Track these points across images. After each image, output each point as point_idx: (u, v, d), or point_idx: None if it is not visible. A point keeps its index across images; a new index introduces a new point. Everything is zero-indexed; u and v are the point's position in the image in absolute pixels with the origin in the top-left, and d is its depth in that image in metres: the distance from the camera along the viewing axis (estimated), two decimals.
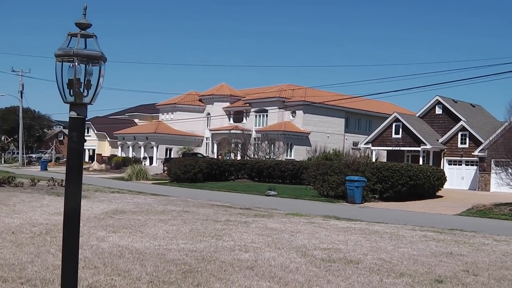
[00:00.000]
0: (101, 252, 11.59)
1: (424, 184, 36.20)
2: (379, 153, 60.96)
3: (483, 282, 10.23)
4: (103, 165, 76.86)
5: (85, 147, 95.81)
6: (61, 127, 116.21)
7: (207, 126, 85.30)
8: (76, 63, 4.98)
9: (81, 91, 5.06)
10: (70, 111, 5.09)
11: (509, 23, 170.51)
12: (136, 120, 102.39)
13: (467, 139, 53.46)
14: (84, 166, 61.01)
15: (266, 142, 65.59)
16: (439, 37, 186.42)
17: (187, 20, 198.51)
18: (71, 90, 5.02)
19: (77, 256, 5.22)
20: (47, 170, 65.36)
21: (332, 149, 64.43)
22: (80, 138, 5.17)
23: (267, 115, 76.65)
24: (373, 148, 59.78)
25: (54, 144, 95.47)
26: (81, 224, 15.05)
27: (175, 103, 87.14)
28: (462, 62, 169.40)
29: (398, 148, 56.79)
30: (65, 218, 5.12)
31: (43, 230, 14.28)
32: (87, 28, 5.09)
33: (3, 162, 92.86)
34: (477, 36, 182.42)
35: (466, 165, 53.77)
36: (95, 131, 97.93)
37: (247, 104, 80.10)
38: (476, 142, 51.67)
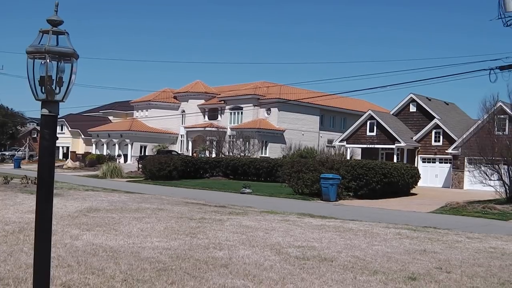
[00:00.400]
0: (75, 250, 11.52)
1: (398, 182, 36.35)
2: (354, 151, 61.13)
3: (455, 279, 10.30)
4: (77, 163, 76.34)
5: (59, 145, 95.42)
6: (35, 124, 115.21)
7: (182, 124, 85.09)
8: (48, 60, 4.93)
9: (53, 88, 5.01)
10: (42, 109, 5.03)
11: (483, 21, 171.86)
12: (111, 118, 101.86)
13: (441, 137, 53.75)
14: (58, 164, 60.84)
15: (241, 139, 65.55)
16: (413, 35, 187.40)
17: (161, 18, 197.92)
18: (43, 88, 4.97)
19: (49, 254, 5.18)
20: (20, 167, 64.73)
21: (305, 147, 64.50)
22: (52, 135, 5.12)
23: (242, 113, 76.62)
24: (347, 145, 59.94)
25: (28, 142, 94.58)
26: (54, 223, 14.96)
27: (149, 100, 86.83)
28: (436, 60, 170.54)
29: (373, 146, 56.99)
30: (37, 217, 5.08)
31: (16, 229, 14.17)
32: (58, 25, 5.04)
33: None
34: (450, 34, 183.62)
35: (440, 162, 54.08)
36: (69, 129, 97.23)
37: (222, 102, 80.00)
38: (449, 140, 51.98)
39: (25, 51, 4.96)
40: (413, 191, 39.77)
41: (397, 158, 54.38)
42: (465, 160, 47.11)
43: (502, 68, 28.92)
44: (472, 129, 45.73)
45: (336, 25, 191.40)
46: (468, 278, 10.43)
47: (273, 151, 70.27)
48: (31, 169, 54.32)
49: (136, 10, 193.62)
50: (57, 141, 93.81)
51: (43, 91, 4.98)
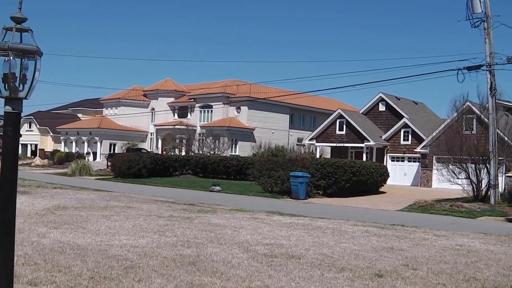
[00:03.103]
0: (42, 248, 11.44)
1: (367, 180, 36.59)
2: (323, 149, 61.34)
3: (421, 276, 10.39)
4: (45, 161, 75.78)
5: (27, 142, 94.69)
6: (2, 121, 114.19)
7: (152, 122, 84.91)
8: (11, 57, 4.90)
9: (17, 85, 4.98)
10: (5, 106, 5.00)
11: (451, 22, 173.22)
12: (80, 115, 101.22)
13: (410, 136, 54.17)
14: (26, 162, 60.41)
15: (211, 137, 65.53)
16: (383, 37, 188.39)
17: (132, 18, 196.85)
18: (6, 85, 4.94)
19: (12, 253, 5.14)
20: None
21: (275, 145, 64.65)
22: (15, 133, 5.09)
23: (212, 111, 76.61)
24: (317, 144, 60.17)
25: None
26: (21, 220, 14.88)
27: (119, 98, 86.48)
28: (405, 60, 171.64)
29: (342, 145, 57.28)
30: (0, 215, 5.04)
31: None
32: (22, 22, 5.01)
33: None
34: (419, 36, 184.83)
35: (409, 161, 54.49)
36: (38, 126, 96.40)
37: (192, 100, 79.91)
38: (418, 139, 52.40)
39: None
40: (382, 189, 40.05)
41: (367, 157, 54.70)
42: (434, 159, 47.53)
43: (469, 68, 29.24)
44: (440, 128, 46.18)
45: (306, 27, 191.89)
46: (434, 275, 10.53)
47: (243, 150, 70.35)
48: None
49: (107, 10, 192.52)
50: (26, 138, 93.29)
51: (7, 88, 4.95)
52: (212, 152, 61.57)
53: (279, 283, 9.31)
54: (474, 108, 40.04)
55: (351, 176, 34.84)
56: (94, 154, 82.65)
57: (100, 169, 58.94)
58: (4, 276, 5.07)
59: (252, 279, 9.45)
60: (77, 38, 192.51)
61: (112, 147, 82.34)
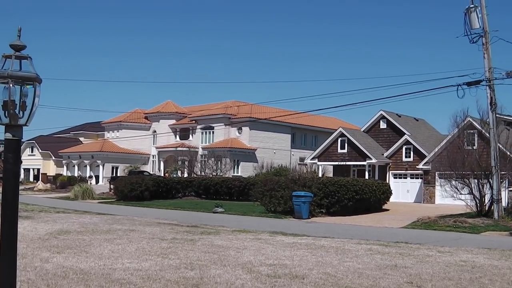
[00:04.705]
0: (45, 273, 11.44)
1: (370, 198, 36.54)
2: (326, 168, 61.38)
3: None
4: (48, 185, 75.84)
5: (29, 167, 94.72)
6: (3, 146, 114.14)
7: (153, 144, 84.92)
8: (11, 85, 4.94)
9: (16, 112, 5.03)
10: (5, 133, 5.04)
11: (451, 36, 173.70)
12: (82, 139, 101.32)
13: (412, 152, 54.21)
14: (29, 186, 60.30)
15: (213, 159, 65.58)
16: (381, 52, 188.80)
17: (131, 38, 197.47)
18: (6, 112, 4.98)
19: (15, 278, 5.15)
20: None
21: (278, 165, 64.61)
22: (16, 159, 5.13)
23: (213, 132, 76.67)
24: (319, 163, 60.19)
25: None
26: (24, 245, 14.87)
27: (120, 121, 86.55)
28: (405, 77, 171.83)
29: (344, 163, 57.25)
30: (2, 240, 5.06)
31: None
32: (21, 49, 5.06)
33: None
34: (419, 49, 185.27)
35: (411, 178, 54.47)
36: (40, 150, 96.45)
37: (193, 121, 79.99)
38: (420, 156, 52.42)
39: None
40: (385, 207, 39.96)
41: (369, 175, 54.69)
42: (436, 175, 47.53)
43: (469, 84, 29.29)
44: (442, 144, 46.22)
45: (305, 43, 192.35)
46: None
47: (245, 170, 70.28)
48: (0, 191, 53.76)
49: (105, 31, 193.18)
50: (28, 163, 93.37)
51: (6, 115, 4.99)
52: (214, 173, 61.57)
53: None
54: (474, 123, 40.08)
55: (354, 195, 34.79)
56: (97, 177, 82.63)
57: (103, 193, 58.92)
58: None
59: None
60: (76, 60, 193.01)
61: (114, 170, 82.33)
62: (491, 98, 30.39)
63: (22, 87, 5.04)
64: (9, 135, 5.05)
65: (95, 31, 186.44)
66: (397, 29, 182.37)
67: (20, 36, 5.11)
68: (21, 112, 5.06)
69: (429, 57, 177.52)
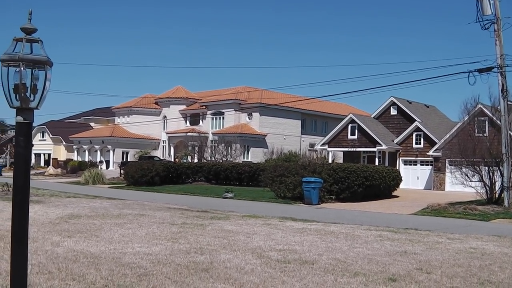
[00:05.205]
0: (56, 257, 11.49)
1: (380, 185, 36.51)
2: (336, 154, 61.28)
3: (435, 279, 10.36)
4: (59, 170, 76.05)
5: (40, 152, 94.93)
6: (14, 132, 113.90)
7: (164, 129, 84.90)
8: (22, 68, 4.95)
9: (27, 96, 5.03)
10: (16, 116, 5.05)
11: (461, 24, 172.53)
12: (92, 124, 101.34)
13: (422, 139, 54.07)
14: (39, 171, 60.62)
15: (223, 144, 65.54)
16: (393, 40, 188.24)
17: (142, 25, 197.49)
18: (17, 95, 4.99)
19: (26, 261, 5.18)
20: (1, 175, 64.26)
21: (289, 151, 64.53)
22: (27, 143, 5.14)
23: (223, 118, 76.61)
24: (329, 149, 60.10)
25: (9, 149, 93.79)
26: (35, 229, 14.94)
27: (131, 106, 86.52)
28: (416, 64, 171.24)
29: (354, 149, 57.16)
30: (13, 223, 5.08)
31: None
32: (32, 32, 5.06)
33: None
34: (430, 38, 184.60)
35: (421, 165, 54.36)
36: (50, 136, 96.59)
37: (204, 107, 79.94)
38: (430, 142, 52.29)
39: None
40: (395, 193, 39.92)
41: (379, 161, 54.59)
42: (446, 162, 47.42)
43: (480, 70, 29.15)
44: (452, 131, 46.09)
45: (317, 31, 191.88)
46: (448, 278, 10.50)
47: (255, 156, 70.27)
48: (12, 176, 54.05)
49: (117, 17, 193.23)
50: (39, 148, 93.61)
51: (18, 98, 5.00)
52: (224, 159, 61.57)
53: None
54: (485, 110, 39.94)
55: (364, 181, 34.77)
56: (107, 162, 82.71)
57: (113, 178, 59.06)
58: (19, 285, 5.11)
59: (265, 285, 9.45)
60: (87, 45, 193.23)
61: (124, 155, 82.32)
62: (503, 85, 30.25)
63: (33, 71, 5.04)
64: (20, 119, 5.05)
65: (109, 19, 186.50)
66: (410, 19, 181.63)
67: (30, 19, 5.11)
68: (32, 96, 5.06)
69: (441, 47, 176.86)
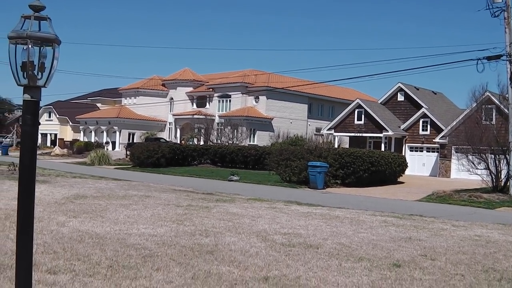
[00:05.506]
0: (61, 237, 11.53)
1: (385, 170, 36.51)
2: (342, 139, 61.24)
3: (440, 266, 10.37)
4: (65, 150, 76.13)
5: (47, 132, 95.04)
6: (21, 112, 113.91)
7: (170, 111, 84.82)
8: (30, 46, 4.92)
9: (35, 74, 5.00)
10: (23, 94, 5.03)
11: (471, 12, 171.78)
12: (99, 105, 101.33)
13: (428, 126, 53.97)
14: (46, 151, 60.73)
15: (229, 127, 65.50)
16: (402, 27, 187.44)
17: (150, 8, 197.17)
18: (25, 73, 4.96)
19: (31, 241, 5.17)
20: (8, 155, 64.39)
21: (295, 135, 64.48)
22: (34, 121, 5.12)
23: (230, 100, 76.49)
24: (335, 134, 60.07)
25: (15, 129, 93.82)
26: (41, 209, 14.97)
27: (138, 88, 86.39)
28: (424, 50, 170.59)
29: (361, 134, 57.10)
30: (19, 203, 5.08)
31: (2, 216, 14.13)
32: (40, 10, 5.02)
33: None
34: (439, 25, 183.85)
35: (427, 151, 54.29)
36: (57, 116, 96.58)
37: (210, 89, 79.82)
38: (437, 129, 52.20)
39: (7, 36, 4.95)
40: (400, 179, 39.94)
41: (385, 147, 54.55)
42: (452, 149, 47.39)
43: (489, 58, 29.03)
44: (459, 118, 46.01)
45: (324, 16, 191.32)
46: (452, 265, 10.51)
47: (261, 139, 70.26)
48: (19, 156, 54.18)
49: (124, 2, 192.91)
50: (46, 128, 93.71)
51: (25, 76, 4.97)
52: (230, 142, 61.57)
53: (296, 272, 9.32)
54: (493, 98, 39.82)
55: (370, 166, 34.77)
56: (113, 143, 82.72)
57: (119, 159, 59.14)
58: (24, 264, 5.11)
59: (270, 269, 9.47)
60: (95, 26, 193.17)
61: (131, 136, 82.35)
62: (511, 72, 30.12)
63: (41, 48, 5.02)
64: (27, 97, 5.03)
65: (114, 1, 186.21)
66: (419, 5, 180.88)
67: None
68: (39, 74, 5.03)
69: (449, 34, 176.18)
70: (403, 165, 40.27)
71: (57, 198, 19.09)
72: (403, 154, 51.14)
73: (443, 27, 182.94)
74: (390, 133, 54.29)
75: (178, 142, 73.41)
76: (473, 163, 32.96)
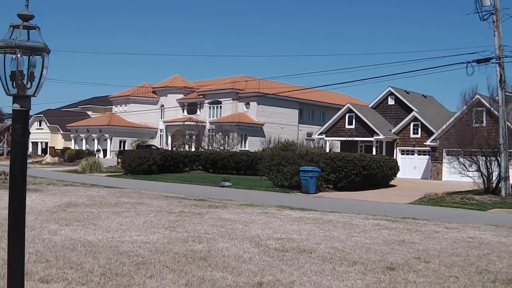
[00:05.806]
0: (53, 245, 11.48)
1: (377, 174, 36.53)
2: (333, 144, 61.24)
3: (434, 268, 10.37)
4: (56, 158, 76.04)
5: (37, 140, 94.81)
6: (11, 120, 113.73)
7: (161, 118, 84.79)
8: (19, 55, 4.91)
9: (24, 83, 4.98)
10: (13, 104, 5.01)
11: (460, 15, 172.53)
12: (89, 113, 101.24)
13: (419, 129, 54.06)
14: (37, 160, 60.59)
15: (220, 133, 65.50)
16: (391, 30, 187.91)
17: (139, 14, 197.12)
18: (14, 82, 4.94)
19: (23, 250, 5.15)
20: None
21: (286, 140, 64.49)
22: (24, 130, 5.10)
23: (221, 107, 76.53)
24: (327, 138, 60.07)
25: (6, 137, 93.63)
26: (33, 218, 14.91)
27: (128, 95, 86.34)
28: (414, 54, 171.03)
29: (352, 139, 57.14)
30: (10, 212, 5.05)
31: None
32: (29, 19, 5.01)
33: None
34: (428, 29, 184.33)
35: (419, 154, 54.35)
36: (48, 124, 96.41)
37: (201, 96, 79.85)
38: (428, 132, 52.29)
39: None
40: (392, 182, 39.99)
41: (376, 151, 54.58)
42: (444, 152, 47.54)
43: (478, 61, 29.16)
44: (450, 121, 46.18)
45: (314, 21, 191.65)
46: (446, 267, 10.51)
47: (253, 145, 70.27)
48: (9, 165, 53.95)
49: (114, 7, 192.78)
50: (36, 136, 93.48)
51: (14, 86, 4.95)
52: (221, 148, 61.55)
53: (290, 277, 9.31)
54: (483, 101, 39.97)
55: (361, 170, 34.80)
56: (104, 151, 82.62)
57: (111, 166, 59.09)
58: (16, 273, 5.08)
59: (263, 274, 9.45)
60: (85, 35, 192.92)
61: (122, 144, 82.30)
62: (501, 75, 30.27)
63: (30, 58, 5.00)
64: (17, 106, 5.01)
65: (105, 8, 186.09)
66: (408, 9, 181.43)
67: (28, 5, 5.06)
68: (29, 83, 5.02)
69: (439, 37, 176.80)
70: (395, 168, 40.33)
71: (48, 207, 19.02)
72: (395, 157, 51.19)
73: (433, 31, 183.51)
74: (381, 136, 54.34)
75: (170, 148, 73.37)
76: (464, 166, 33.09)
